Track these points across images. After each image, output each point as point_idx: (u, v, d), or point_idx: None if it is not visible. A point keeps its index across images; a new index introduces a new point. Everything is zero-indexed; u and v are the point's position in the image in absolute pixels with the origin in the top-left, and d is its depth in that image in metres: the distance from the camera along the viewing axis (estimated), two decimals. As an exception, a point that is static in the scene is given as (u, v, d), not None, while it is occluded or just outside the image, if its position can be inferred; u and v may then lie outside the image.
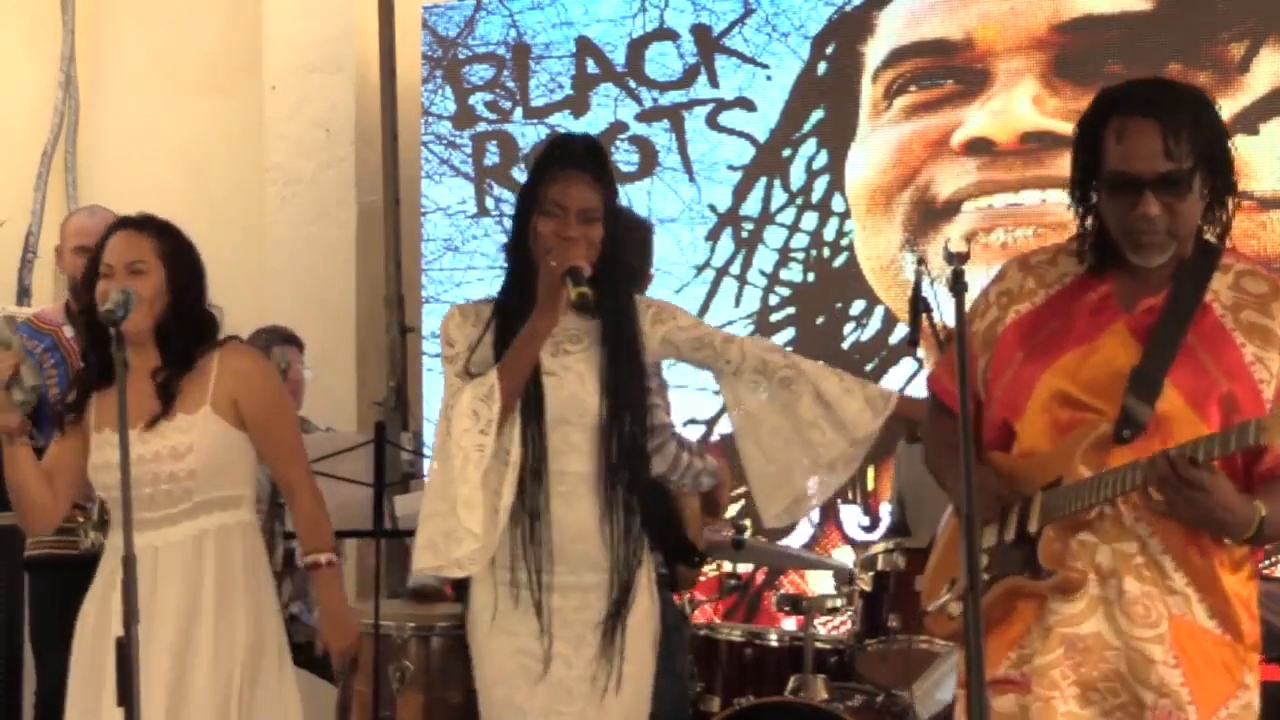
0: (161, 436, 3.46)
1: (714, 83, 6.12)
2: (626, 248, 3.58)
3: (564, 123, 6.32)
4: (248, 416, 3.52)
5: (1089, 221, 2.80)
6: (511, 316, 3.40)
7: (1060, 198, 5.48)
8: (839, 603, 4.45)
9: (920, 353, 5.51)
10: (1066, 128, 5.76)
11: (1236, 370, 2.71)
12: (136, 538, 3.16)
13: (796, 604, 4.45)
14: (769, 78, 6.02)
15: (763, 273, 6.00)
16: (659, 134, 6.20)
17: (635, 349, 3.41)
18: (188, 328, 3.52)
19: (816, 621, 4.41)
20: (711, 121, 6.12)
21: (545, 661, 3.35)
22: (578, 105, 6.34)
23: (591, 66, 6.33)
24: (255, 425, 3.53)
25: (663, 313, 3.47)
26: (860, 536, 5.65)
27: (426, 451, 5.27)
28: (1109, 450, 2.71)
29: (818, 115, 5.96)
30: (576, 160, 3.44)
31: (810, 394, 3.43)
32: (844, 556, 5.44)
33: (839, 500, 5.76)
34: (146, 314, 3.45)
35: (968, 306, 2.70)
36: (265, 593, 3.57)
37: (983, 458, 2.84)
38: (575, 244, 3.34)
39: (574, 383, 3.38)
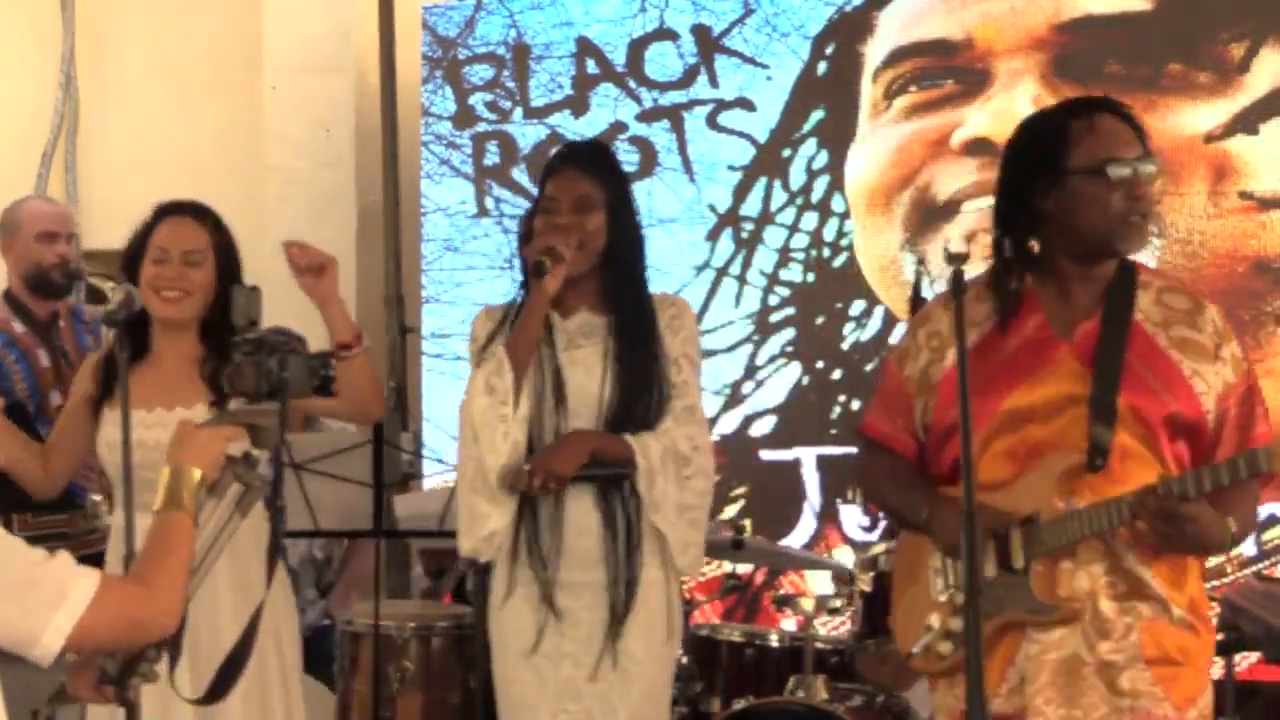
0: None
1: (714, 83, 6.12)
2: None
3: (564, 123, 6.32)
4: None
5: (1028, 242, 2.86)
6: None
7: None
8: (839, 603, 4.45)
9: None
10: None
11: (1178, 386, 2.78)
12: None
13: (796, 604, 4.45)
14: (769, 78, 6.02)
15: (763, 273, 5.99)
16: (659, 134, 6.19)
17: (648, 339, 3.44)
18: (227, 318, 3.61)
19: (816, 622, 4.41)
20: (711, 121, 6.12)
21: (554, 660, 3.37)
22: (578, 105, 6.34)
23: (591, 66, 6.32)
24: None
25: (675, 321, 3.50)
26: (860, 537, 5.64)
27: (426, 452, 5.28)
28: (1081, 479, 2.76)
29: (818, 115, 5.96)
30: (576, 157, 3.53)
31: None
32: (844, 556, 5.43)
33: (839, 500, 5.76)
34: (200, 303, 3.56)
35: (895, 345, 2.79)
36: (286, 583, 3.66)
37: (932, 491, 2.90)
38: (559, 230, 3.39)
39: (581, 375, 3.43)
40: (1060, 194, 2.81)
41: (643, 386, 3.41)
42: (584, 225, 3.42)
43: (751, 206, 6.03)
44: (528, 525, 3.41)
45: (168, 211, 3.62)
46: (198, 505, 2.37)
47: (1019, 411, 2.81)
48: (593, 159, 3.54)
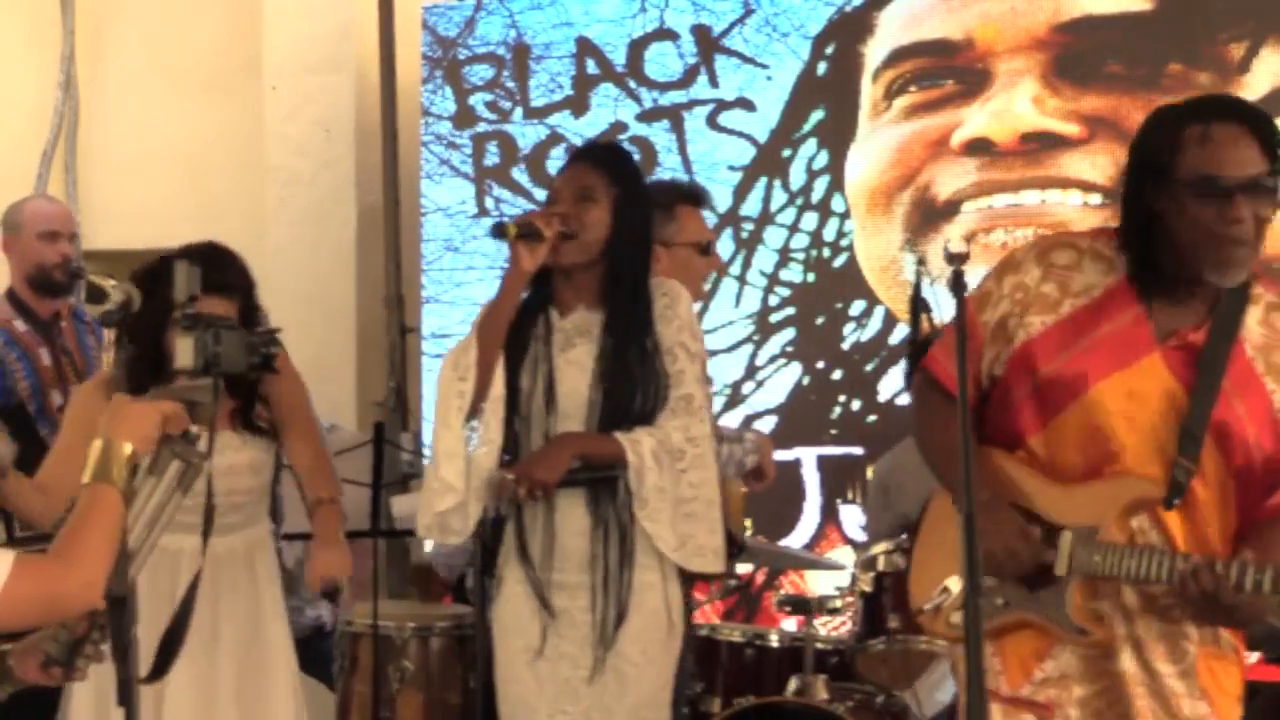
0: (236, 450, 3.55)
1: (714, 83, 6.12)
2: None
3: (564, 123, 6.32)
4: (285, 418, 3.66)
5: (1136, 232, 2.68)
6: (527, 310, 3.44)
7: (1060, 198, 5.51)
8: (839, 603, 4.45)
9: (920, 353, 5.50)
10: (1066, 128, 5.80)
11: (1263, 419, 2.65)
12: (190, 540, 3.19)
13: (797, 604, 4.44)
14: (769, 78, 6.02)
15: (763, 273, 5.99)
16: (659, 134, 6.19)
17: (641, 334, 3.38)
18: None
19: (816, 622, 4.41)
20: (711, 122, 6.12)
21: (552, 660, 3.37)
22: (578, 105, 6.34)
23: (591, 67, 6.32)
24: (286, 417, 3.66)
25: (668, 311, 3.42)
26: (860, 537, 5.65)
27: (426, 452, 5.27)
28: (1151, 511, 2.66)
29: (818, 115, 5.96)
30: (584, 154, 3.54)
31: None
32: (844, 556, 5.44)
33: (839, 500, 5.76)
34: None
35: (972, 288, 2.61)
36: (281, 594, 3.76)
37: (990, 475, 2.74)
38: (550, 213, 3.36)
39: (575, 375, 3.39)
40: (1167, 201, 2.60)
41: (633, 384, 3.35)
42: (581, 216, 3.35)
43: (751, 206, 6.03)
44: (516, 526, 3.40)
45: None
46: (130, 482, 2.32)
47: (1099, 405, 2.66)
48: (601, 154, 3.53)
